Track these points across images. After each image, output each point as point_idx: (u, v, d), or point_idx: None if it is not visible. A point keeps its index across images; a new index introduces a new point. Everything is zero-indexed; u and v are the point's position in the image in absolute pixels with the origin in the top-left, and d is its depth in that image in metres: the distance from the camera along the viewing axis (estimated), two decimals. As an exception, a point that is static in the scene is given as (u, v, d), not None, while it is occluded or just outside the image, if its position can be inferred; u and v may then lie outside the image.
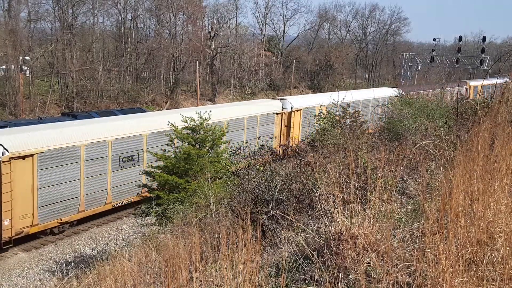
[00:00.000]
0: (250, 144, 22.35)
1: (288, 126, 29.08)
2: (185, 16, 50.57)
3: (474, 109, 10.07)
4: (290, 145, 23.49)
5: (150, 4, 50.38)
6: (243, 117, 25.86)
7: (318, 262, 3.83)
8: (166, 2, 48.14)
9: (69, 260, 15.46)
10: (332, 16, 75.80)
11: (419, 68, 59.34)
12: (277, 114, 28.43)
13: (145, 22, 52.75)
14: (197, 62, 47.48)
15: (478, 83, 45.48)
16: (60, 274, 11.72)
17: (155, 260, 6.21)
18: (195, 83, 48.49)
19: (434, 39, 58.49)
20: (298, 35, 73.83)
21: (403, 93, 37.92)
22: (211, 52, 53.32)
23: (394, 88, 39.39)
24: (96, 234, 18.14)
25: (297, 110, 29.48)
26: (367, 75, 79.01)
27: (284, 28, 69.70)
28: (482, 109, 7.77)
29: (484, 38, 56.75)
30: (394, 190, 5.08)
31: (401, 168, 5.92)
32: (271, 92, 61.15)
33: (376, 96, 37.41)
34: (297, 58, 65.98)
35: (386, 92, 38.93)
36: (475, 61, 53.96)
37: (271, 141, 26.62)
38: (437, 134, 8.70)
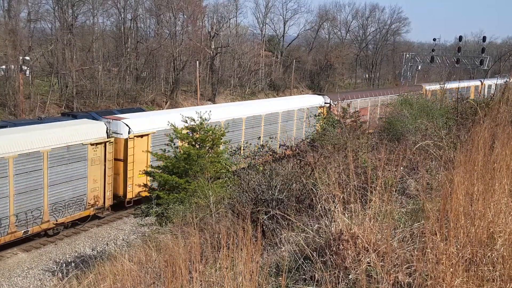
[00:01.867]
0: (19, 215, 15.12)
1: (125, 162, 19.36)
2: (185, 16, 50.56)
3: (474, 109, 10.07)
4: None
5: (150, 4, 50.38)
6: (4, 158, 14.81)
7: (318, 262, 3.82)
8: (166, 2, 48.11)
9: (69, 260, 15.46)
10: (332, 16, 75.77)
11: (419, 68, 59.35)
12: (96, 145, 17.84)
13: (145, 22, 52.77)
14: (197, 62, 47.47)
15: (434, 87, 40.20)
16: (60, 274, 11.72)
17: (155, 260, 6.21)
18: (195, 83, 48.48)
19: (434, 39, 58.51)
20: (298, 35, 73.86)
21: (332, 102, 31.47)
22: (211, 52, 53.31)
23: (321, 95, 33.17)
24: (96, 234, 18.14)
25: (141, 136, 19.77)
26: (367, 75, 79.00)
27: (284, 28, 69.74)
28: (482, 109, 7.77)
29: (484, 38, 56.73)
30: (394, 190, 5.08)
31: (401, 168, 5.92)
32: (271, 92, 61.16)
33: (291, 107, 29.45)
34: (297, 58, 65.94)
35: (307, 102, 31.45)
36: (475, 61, 53.95)
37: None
38: (437, 134, 8.71)
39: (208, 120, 14.58)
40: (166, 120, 20.66)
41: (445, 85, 38.08)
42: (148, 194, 14.54)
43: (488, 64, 53.45)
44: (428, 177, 5.89)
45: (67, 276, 7.47)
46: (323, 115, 31.15)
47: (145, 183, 17.91)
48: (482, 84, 47.93)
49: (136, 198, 19.53)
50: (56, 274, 12.68)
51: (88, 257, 14.42)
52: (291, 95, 57.70)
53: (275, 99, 35.93)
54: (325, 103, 31.32)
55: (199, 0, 52.55)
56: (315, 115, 22.69)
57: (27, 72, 39.24)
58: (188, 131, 19.57)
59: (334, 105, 31.30)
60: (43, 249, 16.65)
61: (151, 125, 20.48)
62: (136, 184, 18.78)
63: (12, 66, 36.05)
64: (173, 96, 47.62)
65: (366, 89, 50.72)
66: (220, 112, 23.34)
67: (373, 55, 77.62)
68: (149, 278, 5.42)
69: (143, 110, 28.33)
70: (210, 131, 14.37)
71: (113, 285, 5.67)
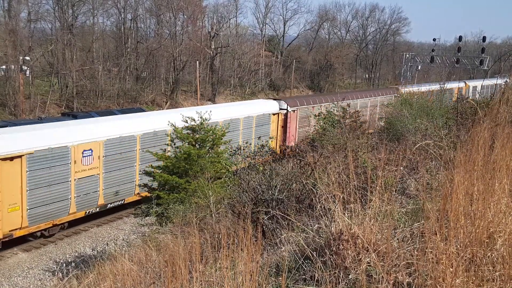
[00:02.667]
0: None
1: None
2: (185, 16, 50.58)
3: (474, 109, 10.07)
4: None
5: (150, 4, 50.40)
6: None
7: (318, 262, 3.83)
8: (166, 2, 48.12)
9: (69, 260, 15.46)
10: (332, 16, 75.80)
11: (419, 68, 59.33)
12: None
13: (145, 22, 52.78)
14: (197, 62, 47.47)
15: (411, 89, 34.52)
16: (60, 274, 11.72)
17: (155, 260, 6.22)
18: (195, 83, 48.49)
19: (434, 39, 58.47)
20: (298, 35, 73.88)
21: (289, 108, 27.93)
22: (211, 52, 53.32)
23: (277, 101, 28.67)
24: (96, 234, 18.14)
25: (11, 158, 14.87)
26: (367, 75, 79.01)
27: (284, 28, 69.75)
28: (482, 109, 7.77)
29: (484, 38, 56.71)
30: (394, 190, 5.08)
31: (401, 168, 5.92)
32: (271, 92, 61.17)
33: (235, 115, 24.22)
34: (297, 58, 65.95)
35: (257, 109, 26.43)
36: (475, 61, 53.93)
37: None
38: (437, 134, 8.71)
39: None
40: (52, 135, 16.14)
41: (423, 87, 33.24)
42: (148, 194, 14.54)
43: (488, 64, 53.39)
44: (428, 177, 5.89)
45: (67, 276, 7.48)
46: (278, 123, 26.94)
47: (20, 219, 14.71)
48: (466, 85, 44.84)
49: (7, 239, 15.30)
50: (56, 274, 12.69)
51: (88, 257, 14.43)
52: (291, 95, 57.64)
53: (216, 106, 29.37)
54: (280, 109, 27.75)
55: (199, 0, 52.57)
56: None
57: (27, 72, 39.25)
58: (89, 149, 16.00)
59: (292, 112, 28.12)
60: (43, 249, 16.65)
61: (27, 143, 15.35)
62: (6, 221, 14.95)
63: (12, 66, 36.06)
64: (173, 96, 47.65)
65: (338, 91, 46.08)
66: (139, 124, 19.11)
67: (373, 55, 77.63)
68: (149, 278, 5.43)
69: (143, 110, 28.28)
70: (210, 131, 14.38)
71: (113, 285, 5.67)
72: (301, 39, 74.93)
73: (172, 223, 10.27)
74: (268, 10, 68.00)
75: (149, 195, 14.27)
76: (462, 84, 45.27)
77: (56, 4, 41.52)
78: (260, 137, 22.74)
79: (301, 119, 29.11)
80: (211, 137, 14.22)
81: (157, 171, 14.44)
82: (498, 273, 3.42)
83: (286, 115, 27.90)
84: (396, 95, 36.64)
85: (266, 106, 27.40)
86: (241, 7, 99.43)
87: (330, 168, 5.91)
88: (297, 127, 28.65)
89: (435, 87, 31.05)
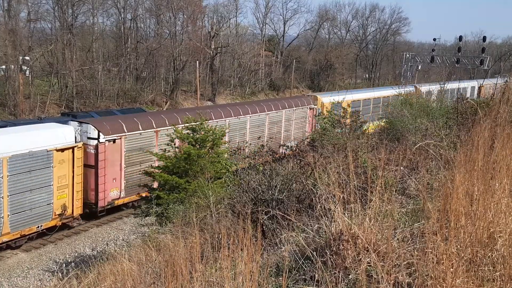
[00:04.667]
0: None
1: None
2: (185, 16, 50.54)
3: (474, 109, 10.07)
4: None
5: (150, 4, 50.37)
6: None
7: (319, 262, 3.82)
8: (166, 2, 48.11)
9: (69, 260, 15.46)
10: (332, 16, 75.75)
11: (419, 68, 59.29)
12: None
13: (145, 22, 52.75)
14: (197, 62, 47.46)
15: (332, 98, 25.03)
16: (60, 274, 11.71)
17: (155, 260, 6.22)
18: (195, 83, 48.48)
19: (434, 39, 58.37)
20: (298, 35, 73.85)
21: (103, 136, 17.36)
22: (211, 52, 53.30)
23: (79, 124, 17.53)
24: (96, 234, 18.14)
25: None
26: (367, 75, 79.00)
27: (284, 28, 69.70)
28: (482, 109, 7.77)
29: (484, 38, 56.65)
30: (394, 190, 5.08)
31: (401, 168, 5.92)
32: (271, 92, 61.17)
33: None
34: (297, 58, 65.92)
35: (9, 145, 14.82)
36: (475, 61, 53.91)
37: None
38: (437, 134, 8.71)
39: None
40: None
41: (357, 94, 24.16)
42: (148, 194, 14.55)
43: (488, 64, 53.36)
44: (429, 177, 5.89)
45: (67, 276, 7.48)
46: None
47: None
48: (417, 90, 33.21)
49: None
50: (56, 274, 12.68)
51: (88, 257, 14.43)
52: (291, 95, 57.60)
53: None
54: (89, 138, 17.29)
55: (199, 0, 52.55)
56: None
57: (27, 72, 39.23)
58: None
59: (109, 143, 17.56)
60: (43, 249, 16.66)
61: None
62: None
63: (12, 66, 36.03)
64: (173, 96, 47.65)
65: (213, 105, 36.09)
66: None
67: (373, 55, 77.60)
68: (149, 278, 5.43)
69: (143, 110, 28.29)
70: (211, 131, 14.38)
71: (113, 285, 5.67)
72: (301, 39, 74.94)
73: (172, 223, 10.28)
74: (268, 10, 68.00)
75: (149, 195, 14.30)
76: (411, 89, 33.92)
77: (56, 4, 41.50)
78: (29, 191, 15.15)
79: (133, 152, 18.74)
80: (211, 137, 14.22)
81: (157, 171, 14.45)
82: (498, 273, 3.42)
83: (96, 148, 17.32)
84: (313, 106, 27.29)
85: (40, 136, 15.69)
86: (241, 7, 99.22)
87: (330, 168, 5.91)
88: (124, 166, 18.56)
89: (374, 93, 23.25)
